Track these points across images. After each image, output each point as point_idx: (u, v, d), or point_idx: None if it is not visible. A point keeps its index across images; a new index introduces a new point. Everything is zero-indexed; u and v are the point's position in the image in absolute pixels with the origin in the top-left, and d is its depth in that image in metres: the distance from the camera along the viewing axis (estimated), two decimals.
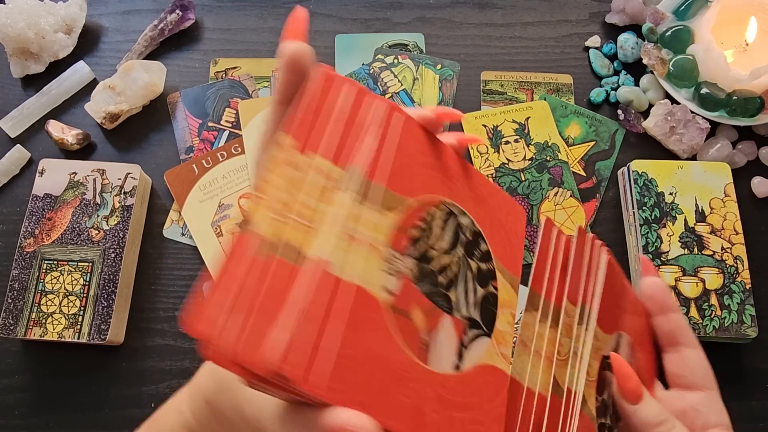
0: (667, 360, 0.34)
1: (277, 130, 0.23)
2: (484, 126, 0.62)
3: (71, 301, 0.52)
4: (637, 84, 0.65)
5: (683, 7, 0.64)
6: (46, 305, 0.51)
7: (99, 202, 0.55)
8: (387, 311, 0.22)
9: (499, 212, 0.29)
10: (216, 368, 0.30)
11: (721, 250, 0.54)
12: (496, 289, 0.28)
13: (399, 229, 0.24)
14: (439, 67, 0.65)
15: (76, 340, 0.50)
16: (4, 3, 0.62)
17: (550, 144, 0.61)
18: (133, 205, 0.55)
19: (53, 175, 0.56)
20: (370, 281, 0.22)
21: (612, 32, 0.68)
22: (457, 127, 0.62)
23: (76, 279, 0.52)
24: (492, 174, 0.60)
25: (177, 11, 0.65)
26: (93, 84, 0.63)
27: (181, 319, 0.18)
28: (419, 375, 0.22)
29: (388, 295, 0.23)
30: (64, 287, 0.52)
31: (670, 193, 0.56)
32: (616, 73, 0.66)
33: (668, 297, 0.34)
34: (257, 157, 0.26)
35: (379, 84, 0.64)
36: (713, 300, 0.53)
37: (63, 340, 0.50)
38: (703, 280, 0.53)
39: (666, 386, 0.34)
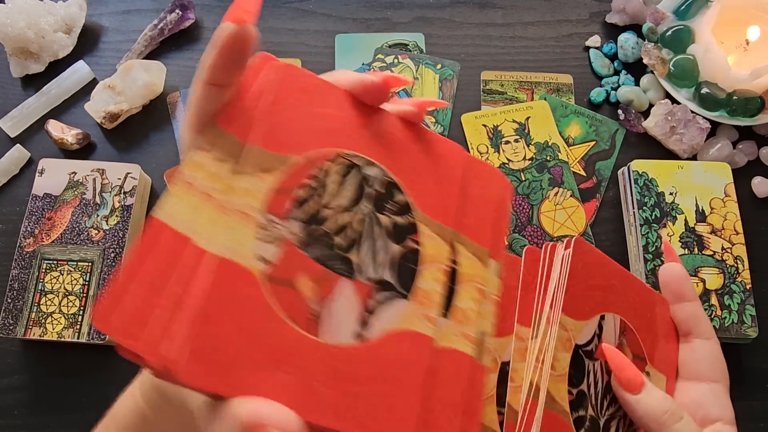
0: (680, 350, 0.33)
1: (208, 110, 0.23)
2: (484, 126, 0.62)
3: (71, 301, 0.51)
4: (637, 84, 0.65)
5: (683, 7, 0.64)
6: (46, 305, 0.51)
7: (99, 202, 0.55)
8: (263, 282, 0.21)
9: (428, 159, 0.26)
10: None
11: (722, 250, 0.54)
12: (417, 243, 0.25)
13: (279, 191, 0.22)
14: (439, 66, 0.65)
15: (75, 340, 0.50)
16: (4, 3, 0.62)
17: (550, 144, 0.61)
18: (132, 204, 0.55)
19: (53, 175, 0.55)
20: (240, 252, 0.21)
21: (612, 32, 0.67)
22: (456, 131, 0.62)
23: (75, 279, 0.52)
24: None
25: (177, 11, 0.65)
26: (93, 84, 0.63)
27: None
28: (306, 349, 0.21)
29: (264, 265, 0.21)
30: (64, 287, 0.52)
31: (671, 193, 0.56)
32: (617, 72, 0.66)
33: (683, 285, 0.33)
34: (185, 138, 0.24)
35: None
36: (713, 300, 0.53)
37: (63, 340, 0.50)
38: (703, 280, 0.53)
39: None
